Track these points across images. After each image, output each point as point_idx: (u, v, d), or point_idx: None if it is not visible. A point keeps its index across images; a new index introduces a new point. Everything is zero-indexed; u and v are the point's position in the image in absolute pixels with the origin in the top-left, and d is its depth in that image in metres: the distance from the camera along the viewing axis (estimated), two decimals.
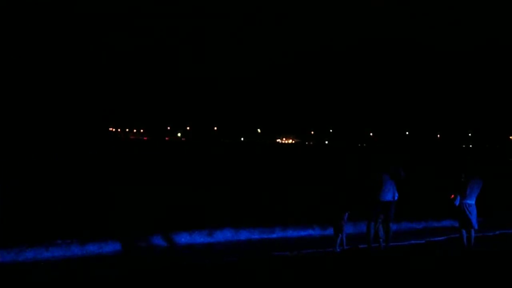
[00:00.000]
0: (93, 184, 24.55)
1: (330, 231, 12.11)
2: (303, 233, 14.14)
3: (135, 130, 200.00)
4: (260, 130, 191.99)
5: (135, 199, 19.83)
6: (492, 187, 13.65)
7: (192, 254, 11.79)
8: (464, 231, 11.48)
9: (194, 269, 9.74)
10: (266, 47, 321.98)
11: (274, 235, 13.77)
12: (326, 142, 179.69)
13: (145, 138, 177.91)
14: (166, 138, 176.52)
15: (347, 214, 11.47)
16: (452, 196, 11.42)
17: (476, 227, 11.48)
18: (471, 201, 11.40)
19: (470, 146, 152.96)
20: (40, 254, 10.88)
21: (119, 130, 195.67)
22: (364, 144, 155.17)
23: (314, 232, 14.23)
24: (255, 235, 13.60)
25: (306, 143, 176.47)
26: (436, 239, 14.18)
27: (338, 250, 11.45)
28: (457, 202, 11.35)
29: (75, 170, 32.21)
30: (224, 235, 13.20)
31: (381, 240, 11.48)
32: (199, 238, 12.85)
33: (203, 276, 9.07)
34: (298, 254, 11.60)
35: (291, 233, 14.04)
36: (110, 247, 11.68)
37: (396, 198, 11.44)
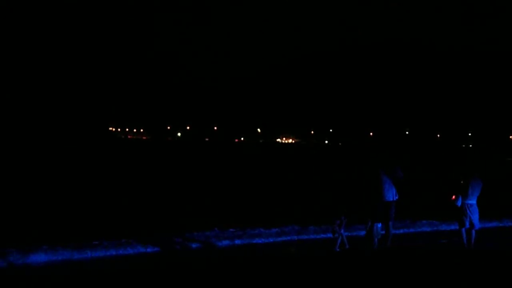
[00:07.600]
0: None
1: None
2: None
3: (135, 130, 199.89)
4: (260, 130, 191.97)
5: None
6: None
7: None
8: (464, 231, 11.48)
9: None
10: (266, 47, 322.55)
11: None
12: (326, 142, 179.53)
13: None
14: (169, 138, 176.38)
15: (344, 217, 11.41)
16: (454, 197, 11.40)
17: (478, 227, 11.51)
18: (473, 201, 11.43)
19: (470, 146, 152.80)
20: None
21: (119, 129, 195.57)
22: (363, 144, 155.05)
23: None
24: None
25: (315, 141, 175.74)
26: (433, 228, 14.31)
27: (338, 250, 11.42)
28: (459, 203, 11.35)
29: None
30: None
31: (379, 239, 11.46)
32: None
33: None
34: (295, 253, 11.56)
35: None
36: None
37: (396, 198, 11.39)
